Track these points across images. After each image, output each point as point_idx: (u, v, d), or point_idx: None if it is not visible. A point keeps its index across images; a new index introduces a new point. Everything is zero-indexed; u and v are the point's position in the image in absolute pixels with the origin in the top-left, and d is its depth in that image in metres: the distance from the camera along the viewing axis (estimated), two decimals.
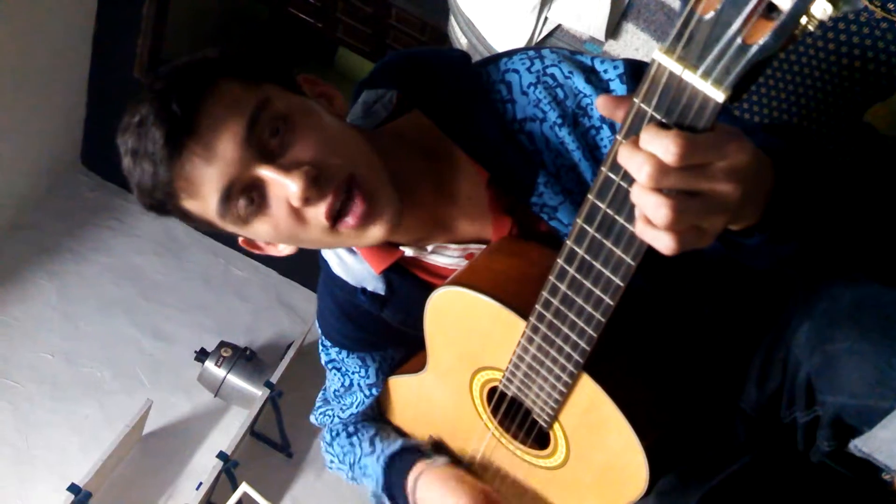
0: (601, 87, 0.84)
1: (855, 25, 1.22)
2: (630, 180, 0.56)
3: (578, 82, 0.84)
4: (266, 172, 0.77)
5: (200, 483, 2.57)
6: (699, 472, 0.96)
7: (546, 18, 1.56)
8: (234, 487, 2.46)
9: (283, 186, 0.77)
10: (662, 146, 0.52)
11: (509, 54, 0.90)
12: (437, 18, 2.49)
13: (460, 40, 1.76)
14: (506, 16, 1.60)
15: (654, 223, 0.55)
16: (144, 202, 0.81)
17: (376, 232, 0.83)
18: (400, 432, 1.19)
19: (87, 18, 3.01)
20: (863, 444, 0.80)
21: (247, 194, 0.79)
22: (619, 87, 0.83)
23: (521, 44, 1.59)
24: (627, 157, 0.54)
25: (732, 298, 0.93)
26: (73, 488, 2.36)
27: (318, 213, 0.79)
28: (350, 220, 0.80)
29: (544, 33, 1.58)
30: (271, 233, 0.83)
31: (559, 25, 1.56)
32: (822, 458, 0.87)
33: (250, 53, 0.83)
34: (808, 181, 0.69)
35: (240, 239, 0.89)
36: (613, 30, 1.51)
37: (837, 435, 0.82)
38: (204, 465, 2.75)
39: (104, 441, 2.60)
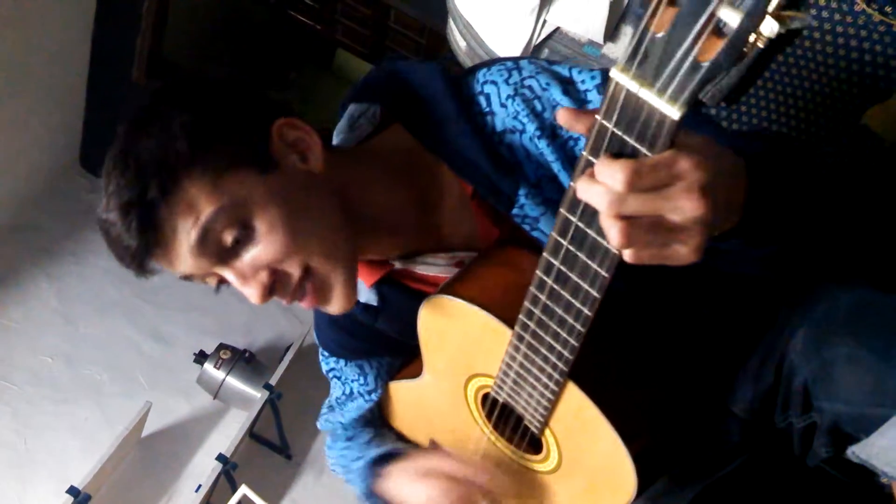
0: (578, 98, 0.84)
1: (853, 28, 1.23)
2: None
3: (556, 93, 0.84)
4: (228, 274, 0.83)
5: (199, 485, 2.57)
6: (691, 474, 0.96)
7: (545, 21, 1.56)
8: (234, 489, 2.47)
9: (240, 289, 0.84)
10: (611, 174, 0.53)
11: (488, 65, 0.91)
12: (436, 21, 2.49)
13: (459, 43, 1.76)
14: (504, 18, 1.60)
15: (615, 246, 0.57)
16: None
17: (332, 308, 0.88)
18: (400, 437, 1.19)
19: (86, 19, 3.01)
20: (860, 451, 0.80)
21: (214, 280, 0.85)
22: (595, 98, 0.84)
23: (520, 46, 1.59)
24: (585, 191, 0.56)
25: (725, 303, 0.93)
26: (72, 490, 2.36)
27: (278, 297, 0.86)
28: (304, 304, 0.86)
29: (543, 36, 1.58)
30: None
31: (558, 28, 1.56)
32: (819, 462, 0.87)
33: (223, 136, 0.81)
34: (783, 184, 0.69)
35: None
36: (612, 32, 1.51)
37: (835, 441, 0.82)
38: (203, 467, 2.75)
39: (103, 443, 2.60)
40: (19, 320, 3.03)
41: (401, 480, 1.04)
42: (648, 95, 0.50)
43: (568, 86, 0.85)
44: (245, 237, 0.80)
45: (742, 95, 1.42)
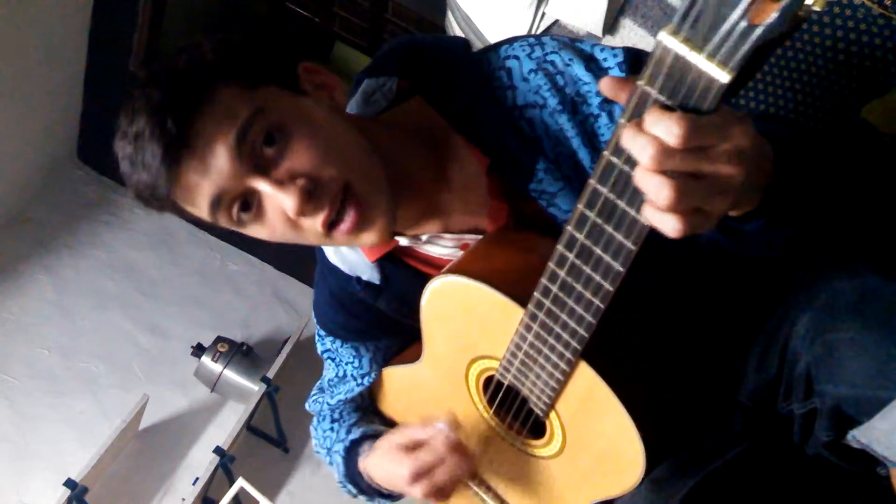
0: (601, 74, 0.84)
1: (852, 21, 1.22)
2: (633, 164, 0.56)
3: (578, 70, 0.84)
4: (260, 185, 0.78)
5: (197, 478, 2.58)
6: (694, 460, 0.97)
7: (543, 14, 1.56)
8: (231, 482, 2.47)
9: (276, 198, 0.78)
10: (666, 128, 0.52)
11: (510, 41, 0.90)
12: (435, 13, 2.49)
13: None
14: (503, 11, 1.60)
15: (656, 204, 0.55)
16: (141, 202, 0.82)
17: (369, 238, 0.84)
18: (390, 422, 1.19)
19: (84, 13, 3.00)
20: (861, 435, 0.80)
21: (242, 201, 0.80)
22: (618, 76, 0.83)
23: None
24: (631, 140, 0.54)
25: (730, 289, 0.93)
26: (69, 483, 2.36)
27: (313, 222, 0.81)
28: (343, 228, 0.81)
29: (541, 28, 1.58)
30: (267, 235, 0.84)
31: (556, 21, 1.56)
32: (819, 449, 0.87)
33: (250, 52, 0.82)
34: (807, 168, 0.69)
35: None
36: (610, 25, 1.51)
37: (836, 425, 0.82)
38: (200, 460, 2.75)
39: (100, 436, 2.60)
40: (16, 312, 3.03)
41: (376, 456, 1.03)
42: (698, 59, 0.50)
43: (591, 62, 0.85)
44: (282, 144, 0.78)
45: (741, 88, 1.41)
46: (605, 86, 0.58)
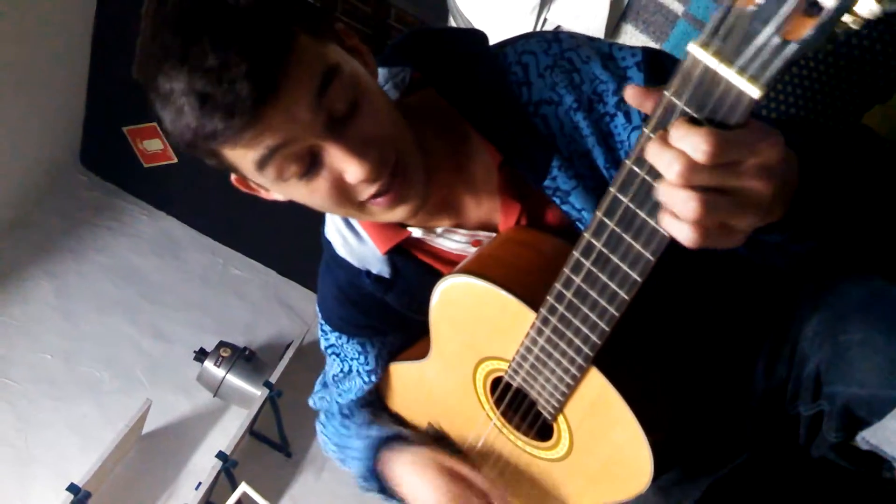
0: (618, 73, 0.83)
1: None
2: (655, 174, 0.55)
3: (595, 68, 0.83)
4: (335, 147, 0.74)
5: (200, 483, 2.57)
6: (702, 467, 0.96)
7: (545, 20, 1.56)
8: (234, 487, 2.47)
9: (347, 163, 0.75)
10: (693, 143, 0.51)
11: (527, 37, 0.89)
12: (437, 19, 2.49)
13: None
14: (505, 17, 1.60)
15: (681, 218, 0.54)
16: (185, 142, 0.72)
17: (401, 212, 0.83)
18: (397, 419, 1.18)
19: (87, 17, 3.00)
20: (871, 436, 0.79)
21: (300, 160, 0.75)
22: (636, 75, 0.82)
23: None
24: (657, 154, 0.53)
25: (740, 294, 0.93)
26: (72, 488, 2.36)
27: (363, 191, 0.79)
28: (382, 201, 0.80)
29: None
30: (302, 196, 0.80)
31: (558, 27, 1.56)
32: (825, 451, 0.87)
33: (313, 2, 0.78)
34: (831, 179, 0.68)
35: (233, 177, 0.84)
36: (612, 31, 1.51)
37: (845, 427, 0.81)
38: (203, 465, 2.75)
39: (103, 441, 2.60)
40: (19, 318, 3.03)
41: (407, 468, 1.04)
42: (728, 73, 0.49)
43: (608, 61, 0.84)
44: (356, 107, 0.75)
45: None
46: (631, 94, 0.57)
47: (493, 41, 1.54)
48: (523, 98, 0.85)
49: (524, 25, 1.57)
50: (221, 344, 2.96)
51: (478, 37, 0.93)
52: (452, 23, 1.78)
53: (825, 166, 0.68)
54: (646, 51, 0.84)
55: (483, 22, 1.66)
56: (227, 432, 2.85)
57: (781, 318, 0.89)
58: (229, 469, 2.59)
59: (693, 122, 0.52)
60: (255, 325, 3.25)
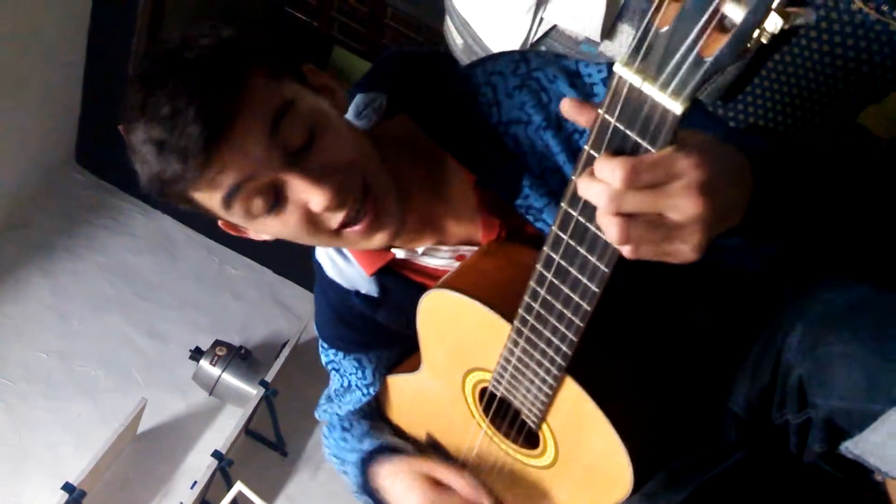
0: (584, 91, 0.85)
1: (850, 27, 1.23)
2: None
3: (562, 86, 0.85)
4: (294, 178, 0.77)
5: (195, 482, 2.57)
6: (688, 472, 0.97)
7: (541, 19, 1.56)
8: (229, 486, 2.46)
9: (308, 193, 0.77)
10: (610, 171, 0.53)
11: (495, 57, 0.91)
12: (433, 18, 2.49)
13: (456, 41, 1.76)
14: (501, 16, 1.60)
15: (611, 241, 0.57)
16: (155, 191, 0.76)
17: (379, 240, 0.85)
18: (396, 430, 1.20)
19: (83, 16, 3.00)
20: (853, 447, 0.80)
21: (264, 195, 0.77)
22: (602, 91, 0.84)
23: (517, 44, 1.60)
24: (585, 188, 0.56)
25: (723, 300, 0.94)
26: (67, 487, 2.36)
27: (331, 219, 0.81)
28: (358, 228, 0.82)
29: (539, 34, 1.58)
30: (277, 230, 0.83)
31: (554, 26, 1.56)
32: (815, 459, 0.88)
33: (272, 42, 0.80)
34: (788, 183, 0.69)
35: (219, 223, 0.86)
36: (609, 31, 1.51)
37: (829, 437, 0.82)
38: (198, 464, 2.74)
39: (98, 440, 2.59)
40: (13, 316, 3.02)
41: (394, 479, 1.05)
42: (651, 90, 0.50)
43: (575, 79, 0.86)
44: (313, 139, 0.77)
45: (739, 94, 1.42)
46: (565, 108, 0.59)
47: (490, 41, 1.53)
48: (493, 118, 0.87)
49: (520, 25, 1.57)
50: (217, 343, 2.95)
51: (446, 58, 0.95)
52: (449, 22, 1.78)
53: (784, 169, 0.69)
54: (612, 66, 0.85)
55: (479, 22, 1.66)
56: (223, 431, 2.85)
57: (766, 324, 0.89)
58: (225, 468, 2.58)
59: (624, 141, 0.54)
60: (250, 324, 3.24)
